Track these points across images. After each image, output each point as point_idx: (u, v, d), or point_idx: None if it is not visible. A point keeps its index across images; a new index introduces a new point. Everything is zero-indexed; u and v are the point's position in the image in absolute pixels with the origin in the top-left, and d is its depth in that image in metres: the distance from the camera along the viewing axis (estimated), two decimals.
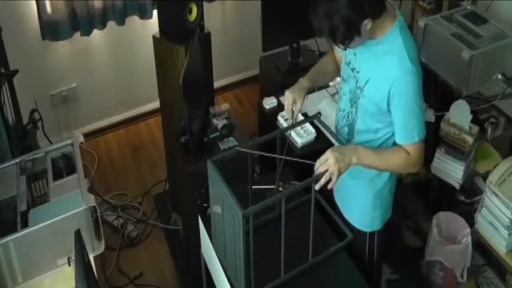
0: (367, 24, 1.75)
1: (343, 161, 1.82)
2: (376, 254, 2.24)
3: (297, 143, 2.68)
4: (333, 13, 1.72)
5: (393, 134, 1.97)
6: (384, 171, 2.03)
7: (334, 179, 1.81)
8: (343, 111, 2.07)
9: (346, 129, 2.06)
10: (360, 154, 1.87)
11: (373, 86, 1.89)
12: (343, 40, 1.78)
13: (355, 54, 1.96)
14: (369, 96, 1.91)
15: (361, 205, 2.14)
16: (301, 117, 2.73)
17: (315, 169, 1.83)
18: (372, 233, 2.19)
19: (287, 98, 2.02)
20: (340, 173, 1.82)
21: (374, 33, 1.84)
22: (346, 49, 1.87)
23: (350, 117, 2.03)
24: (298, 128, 2.71)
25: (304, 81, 2.06)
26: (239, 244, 1.74)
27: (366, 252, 2.22)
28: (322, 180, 1.81)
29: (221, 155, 1.93)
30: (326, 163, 1.82)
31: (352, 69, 1.98)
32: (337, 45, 1.86)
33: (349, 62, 2.00)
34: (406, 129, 1.87)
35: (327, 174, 1.81)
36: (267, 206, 1.76)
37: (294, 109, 2.01)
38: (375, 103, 1.90)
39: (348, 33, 1.75)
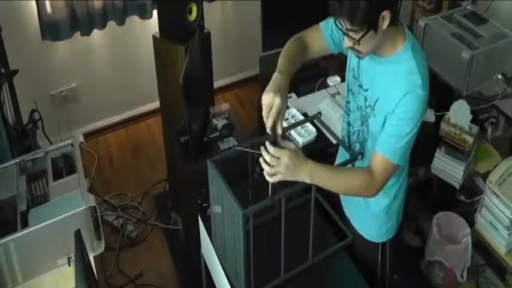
0: (385, 19, 1.65)
1: (292, 174, 1.69)
2: (389, 263, 2.19)
3: (298, 142, 2.68)
4: None
5: (402, 169, 1.93)
6: (339, 192, 1.94)
7: (272, 178, 1.70)
8: (352, 127, 1.99)
9: (357, 145, 1.99)
10: (314, 176, 1.72)
11: (382, 104, 1.81)
12: (362, 23, 1.63)
13: (361, 70, 1.88)
14: (380, 114, 1.82)
15: (374, 219, 2.07)
16: (299, 118, 2.74)
17: (263, 155, 1.68)
18: (384, 244, 2.13)
19: (264, 102, 1.67)
20: (281, 179, 1.69)
21: (385, 50, 1.77)
22: (358, 51, 1.74)
23: (361, 135, 1.95)
24: (299, 127, 2.71)
25: (280, 78, 1.72)
26: (239, 244, 1.74)
27: (378, 263, 2.17)
28: (267, 171, 1.69)
29: (221, 154, 1.91)
30: (276, 161, 1.67)
31: (360, 85, 1.91)
32: (353, 37, 1.68)
33: (357, 77, 1.92)
34: (392, 144, 1.77)
35: (270, 170, 1.68)
36: (267, 205, 1.75)
37: (274, 114, 1.67)
38: (383, 122, 1.81)
39: (368, 15, 1.62)
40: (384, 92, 1.80)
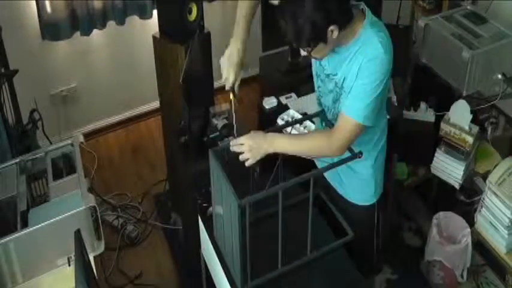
0: (334, 31, 1.76)
1: (258, 150, 1.88)
2: (379, 224, 2.27)
3: None
4: (298, 15, 1.73)
5: (381, 131, 2.03)
6: (303, 156, 1.99)
7: (249, 162, 1.89)
8: (327, 108, 2.08)
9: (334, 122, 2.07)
10: (275, 144, 1.89)
11: (350, 78, 1.89)
12: (308, 42, 1.78)
13: (328, 62, 1.97)
14: (349, 89, 1.90)
15: (360, 182, 2.14)
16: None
17: (230, 147, 1.91)
18: (372, 205, 2.20)
19: (224, 70, 2.07)
20: (255, 159, 1.88)
21: (346, 39, 1.86)
22: (314, 57, 1.90)
23: (335, 113, 2.02)
24: (298, 125, 2.72)
25: (238, 43, 2.05)
26: (236, 235, 1.76)
27: (368, 226, 2.25)
28: (241, 158, 1.89)
29: (223, 145, 1.95)
30: (241, 147, 1.89)
31: (327, 75, 2.00)
32: (304, 50, 1.86)
33: (324, 68, 2.01)
34: (355, 104, 1.85)
35: (242, 157, 1.89)
36: (266, 196, 1.77)
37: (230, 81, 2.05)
38: None
39: (313, 35, 1.76)
40: (349, 69, 1.88)
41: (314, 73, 2.12)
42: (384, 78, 1.82)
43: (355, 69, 1.85)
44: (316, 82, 2.11)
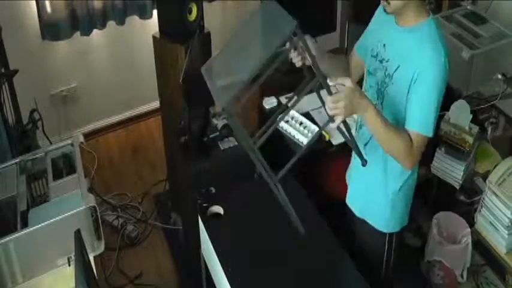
0: None
1: (350, 110, 1.71)
2: (393, 257, 2.21)
3: (302, 142, 2.68)
4: None
5: None
6: (382, 146, 1.89)
7: (338, 120, 1.71)
8: None
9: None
10: (368, 114, 1.75)
11: (403, 71, 1.83)
12: None
13: (384, 45, 1.91)
14: (399, 82, 1.84)
15: (385, 205, 2.09)
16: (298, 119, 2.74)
17: (326, 106, 1.72)
18: (391, 235, 2.15)
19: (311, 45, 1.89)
20: (344, 118, 1.71)
21: (408, 19, 1.82)
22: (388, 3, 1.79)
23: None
24: (301, 127, 2.72)
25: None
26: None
27: (384, 255, 2.19)
28: (332, 113, 1.71)
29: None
30: (337, 104, 1.68)
31: (381, 61, 1.93)
32: None
33: (377, 54, 1.95)
34: (422, 118, 1.80)
35: (334, 112, 1.70)
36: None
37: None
38: (403, 89, 1.83)
39: None
40: (405, 59, 1.82)
41: (366, 71, 2.03)
42: (444, 85, 1.79)
43: (412, 69, 1.78)
44: (364, 82, 2.04)
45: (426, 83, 1.77)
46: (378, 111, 1.77)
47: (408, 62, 1.80)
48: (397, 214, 2.11)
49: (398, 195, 2.06)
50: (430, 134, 1.82)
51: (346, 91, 1.70)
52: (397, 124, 1.88)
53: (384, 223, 2.13)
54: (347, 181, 2.28)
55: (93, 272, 2.10)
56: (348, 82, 1.71)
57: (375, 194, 2.09)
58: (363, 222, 2.17)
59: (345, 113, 1.69)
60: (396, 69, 1.85)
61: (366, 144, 2.04)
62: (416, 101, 1.80)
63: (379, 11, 1.99)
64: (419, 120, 1.81)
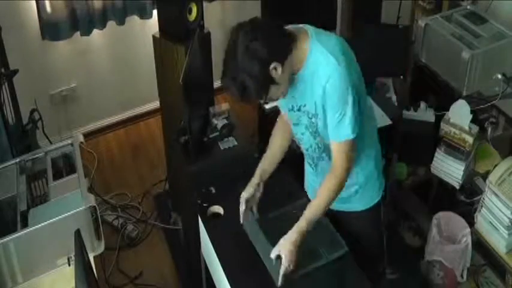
0: (277, 68, 1.71)
1: (293, 253, 1.85)
2: (383, 222, 2.25)
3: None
4: (236, 72, 1.70)
5: (368, 137, 2.00)
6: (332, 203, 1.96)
7: (293, 266, 1.87)
8: (311, 146, 2.02)
9: (324, 155, 2.01)
10: (305, 227, 1.87)
11: (318, 102, 1.85)
12: (258, 94, 1.74)
13: (293, 97, 1.91)
14: (321, 113, 1.86)
15: (365, 186, 2.11)
16: None
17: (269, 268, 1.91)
18: (378, 205, 2.17)
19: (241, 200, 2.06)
20: (294, 262, 1.86)
21: (297, 66, 1.80)
22: (267, 102, 1.89)
23: (320, 146, 1.99)
24: None
25: (253, 180, 2.08)
26: None
27: (375, 227, 2.23)
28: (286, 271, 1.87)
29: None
30: (284, 262, 1.85)
31: (299, 109, 1.94)
32: (259, 102, 1.86)
33: (293, 107, 1.95)
34: (340, 126, 1.82)
35: (284, 269, 1.86)
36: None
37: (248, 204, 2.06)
38: (325, 115, 1.87)
39: (258, 84, 1.71)
40: (313, 92, 1.83)
41: (291, 123, 2.04)
42: (348, 86, 1.77)
43: (319, 92, 1.80)
44: (293, 127, 2.04)
45: (333, 95, 1.78)
46: (306, 219, 1.87)
47: (315, 91, 1.82)
48: (372, 187, 2.13)
49: (368, 175, 2.09)
50: (351, 136, 1.83)
51: (285, 254, 1.85)
52: None
53: (365, 201, 2.14)
54: (307, 193, 2.27)
55: (93, 272, 2.10)
56: (274, 253, 1.87)
57: (344, 190, 2.08)
58: (344, 212, 2.17)
59: (293, 261, 1.86)
60: (315, 106, 1.87)
61: (317, 158, 2.06)
62: (331, 113, 1.82)
63: None
64: (338, 131, 1.83)
